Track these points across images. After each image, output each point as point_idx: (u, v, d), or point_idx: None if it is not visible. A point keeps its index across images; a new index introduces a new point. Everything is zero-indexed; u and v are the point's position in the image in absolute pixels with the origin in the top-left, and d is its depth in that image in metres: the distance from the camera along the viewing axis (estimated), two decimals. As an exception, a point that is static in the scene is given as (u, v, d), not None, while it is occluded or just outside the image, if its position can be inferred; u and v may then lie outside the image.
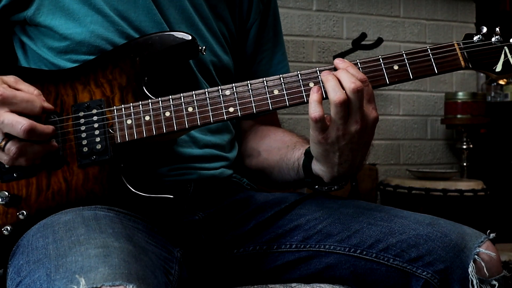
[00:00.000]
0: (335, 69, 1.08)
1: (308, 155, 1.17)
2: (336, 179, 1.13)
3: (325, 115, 1.04)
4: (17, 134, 0.98)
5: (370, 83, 1.05)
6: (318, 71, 1.09)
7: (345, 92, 1.02)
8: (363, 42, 2.95)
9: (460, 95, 3.22)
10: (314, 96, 1.04)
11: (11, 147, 1.00)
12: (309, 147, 1.17)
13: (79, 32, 1.15)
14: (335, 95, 1.01)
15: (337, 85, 1.03)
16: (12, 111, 0.99)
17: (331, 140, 1.05)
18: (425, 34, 3.47)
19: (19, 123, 0.98)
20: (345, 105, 1.02)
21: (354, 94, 1.02)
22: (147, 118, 1.07)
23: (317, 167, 1.13)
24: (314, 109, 1.03)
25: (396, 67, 1.09)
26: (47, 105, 1.05)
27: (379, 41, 2.97)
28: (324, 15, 3.24)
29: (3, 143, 1.00)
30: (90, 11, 1.16)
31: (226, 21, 1.32)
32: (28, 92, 1.03)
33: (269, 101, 1.08)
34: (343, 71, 1.04)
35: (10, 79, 1.04)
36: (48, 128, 1.02)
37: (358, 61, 1.10)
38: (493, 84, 3.47)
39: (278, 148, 1.30)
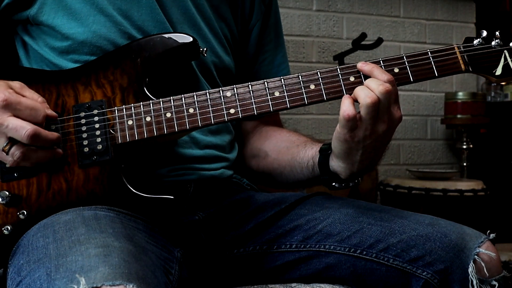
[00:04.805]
0: (358, 72, 1.09)
1: (323, 153, 1.17)
2: (354, 175, 1.14)
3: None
4: (21, 139, 0.98)
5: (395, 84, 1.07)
6: (318, 72, 1.09)
7: (375, 93, 1.03)
8: (363, 42, 2.95)
9: (460, 95, 3.23)
10: (347, 97, 1.05)
11: (15, 151, 1.00)
12: (323, 145, 1.18)
13: (81, 32, 1.15)
14: (366, 96, 1.03)
15: (367, 89, 1.04)
16: (16, 117, 0.99)
17: (358, 139, 1.06)
18: (425, 34, 3.47)
19: (23, 128, 0.98)
20: (376, 106, 1.03)
21: (384, 95, 1.03)
22: (148, 118, 1.08)
23: (336, 164, 1.13)
24: (347, 107, 1.04)
25: (396, 70, 1.10)
26: (50, 112, 1.04)
27: (379, 41, 2.97)
28: (324, 15, 3.24)
29: (8, 147, 1.00)
30: (93, 10, 1.16)
31: (228, 22, 1.33)
32: (33, 99, 1.03)
33: (270, 102, 1.08)
34: (370, 80, 1.06)
35: (16, 84, 1.04)
36: (53, 134, 1.02)
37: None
38: (493, 84, 3.47)
39: (287, 147, 1.31)
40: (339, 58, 2.98)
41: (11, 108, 0.98)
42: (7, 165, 1.04)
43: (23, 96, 1.02)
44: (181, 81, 1.21)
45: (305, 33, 3.20)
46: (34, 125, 0.99)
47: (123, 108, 1.09)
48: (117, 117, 1.08)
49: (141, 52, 1.13)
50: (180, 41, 1.13)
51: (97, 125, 1.08)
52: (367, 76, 1.08)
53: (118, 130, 1.08)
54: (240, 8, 1.36)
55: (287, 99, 1.08)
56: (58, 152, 1.05)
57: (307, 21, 3.20)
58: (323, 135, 3.15)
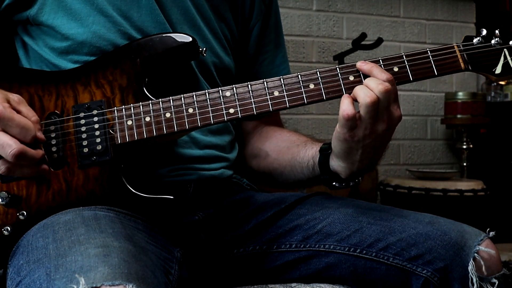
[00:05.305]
0: (357, 71, 1.09)
1: (323, 153, 1.17)
2: (354, 175, 1.14)
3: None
4: (5, 156, 0.96)
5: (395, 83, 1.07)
6: (318, 72, 1.09)
7: (374, 93, 1.03)
8: (363, 42, 2.95)
9: (460, 95, 3.22)
10: (346, 97, 1.05)
11: (1, 165, 0.99)
12: (323, 144, 1.18)
13: (81, 33, 1.15)
14: (365, 95, 1.03)
15: (366, 88, 1.04)
16: (5, 132, 0.97)
17: (358, 138, 1.06)
18: (425, 34, 3.47)
19: (9, 146, 0.95)
20: (376, 105, 1.03)
21: (383, 95, 1.03)
22: (147, 119, 1.08)
23: (336, 163, 1.14)
24: (347, 107, 1.04)
25: (396, 69, 1.10)
26: (40, 135, 1.01)
27: (379, 41, 2.97)
28: (324, 15, 3.24)
29: None
30: (93, 11, 1.16)
31: (228, 22, 1.33)
32: (27, 117, 1.00)
33: (269, 102, 1.08)
34: (369, 79, 1.06)
35: (14, 97, 1.01)
36: (38, 153, 1.00)
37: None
38: (493, 84, 3.47)
39: (288, 147, 1.31)
40: (339, 58, 2.98)
41: (2, 123, 0.96)
42: None
43: (19, 111, 1.00)
44: (180, 82, 1.21)
45: (305, 33, 3.20)
46: (21, 144, 0.96)
47: (122, 108, 1.09)
48: (116, 117, 1.08)
49: (140, 52, 1.13)
50: (179, 40, 1.13)
51: (96, 126, 1.08)
52: (366, 76, 1.08)
53: (118, 130, 1.08)
54: (240, 8, 1.36)
55: (286, 99, 1.08)
56: (44, 168, 1.02)
57: (307, 21, 3.20)
58: (323, 135, 3.15)
